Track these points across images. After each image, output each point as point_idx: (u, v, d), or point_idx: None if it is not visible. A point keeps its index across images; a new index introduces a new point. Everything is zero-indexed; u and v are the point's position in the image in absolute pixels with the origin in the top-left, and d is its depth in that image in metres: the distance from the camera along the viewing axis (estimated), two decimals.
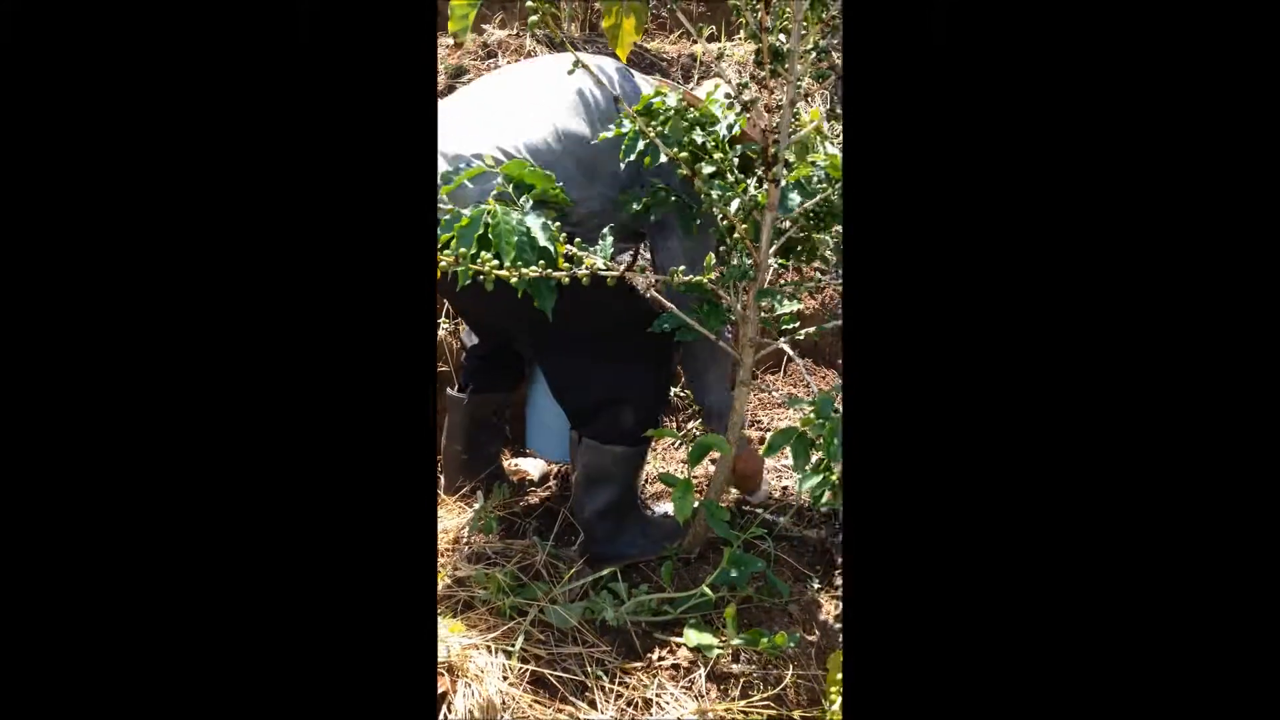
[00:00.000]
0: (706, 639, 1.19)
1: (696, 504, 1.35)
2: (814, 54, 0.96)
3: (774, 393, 1.98)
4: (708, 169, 1.08)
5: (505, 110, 1.24)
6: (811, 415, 1.13)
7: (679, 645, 1.23)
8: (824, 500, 1.15)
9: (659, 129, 1.06)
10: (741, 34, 1.03)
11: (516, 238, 0.88)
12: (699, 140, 1.08)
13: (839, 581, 1.41)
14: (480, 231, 0.88)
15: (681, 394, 1.94)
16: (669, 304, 1.21)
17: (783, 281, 1.92)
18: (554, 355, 1.39)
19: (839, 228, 1.20)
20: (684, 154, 1.05)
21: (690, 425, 1.89)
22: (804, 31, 0.93)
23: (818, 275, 1.81)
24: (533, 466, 1.77)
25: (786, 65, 0.94)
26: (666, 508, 1.54)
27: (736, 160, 1.11)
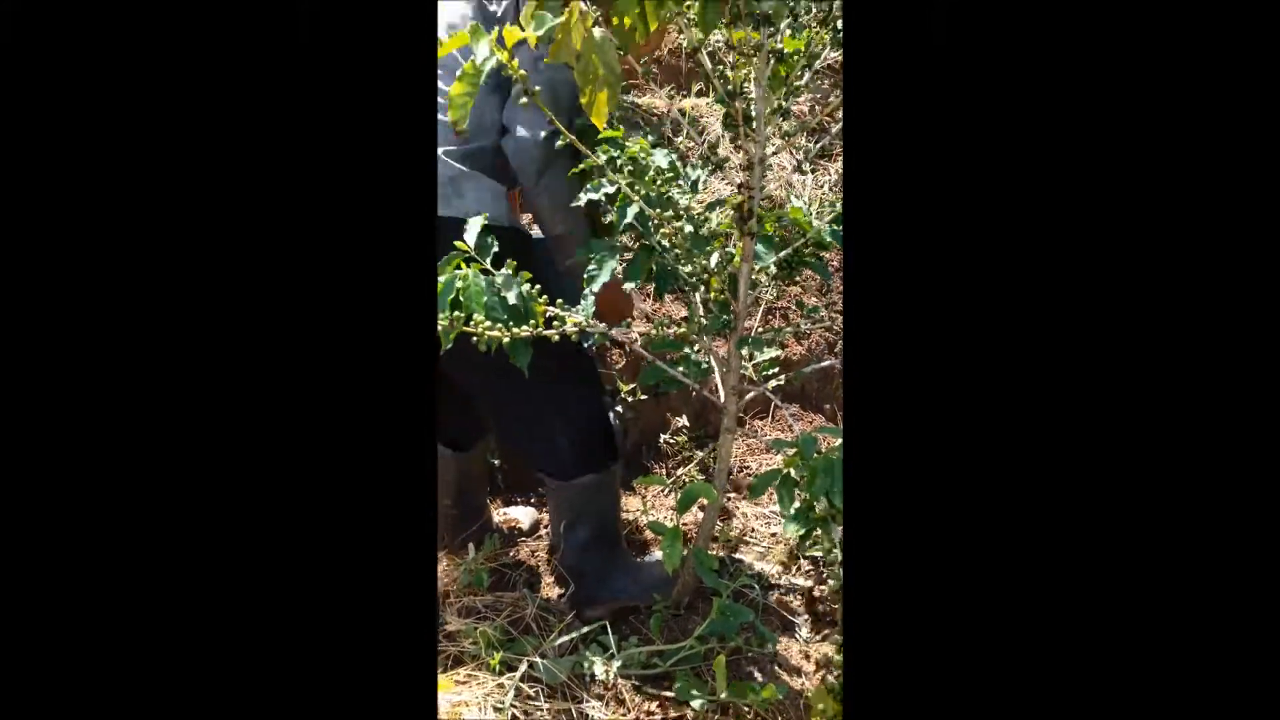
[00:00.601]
0: (696, 694, 1.19)
1: (685, 552, 1.35)
2: (779, 115, 0.99)
3: (762, 438, 1.99)
4: (688, 227, 1.11)
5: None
6: (795, 457, 1.13)
7: (668, 699, 1.22)
8: (811, 544, 1.15)
9: (642, 192, 1.09)
10: (710, 96, 1.07)
11: (486, 298, 0.90)
12: (678, 198, 1.11)
13: (824, 630, 1.41)
14: (452, 296, 0.90)
15: (671, 440, 1.95)
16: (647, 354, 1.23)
17: (767, 327, 1.95)
18: (490, 396, 1.37)
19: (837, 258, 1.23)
20: (668, 213, 1.08)
21: (680, 471, 1.89)
22: (768, 94, 0.97)
23: (801, 322, 1.84)
24: (523, 515, 1.77)
25: (754, 126, 0.97)
26: (657, 556, 1.53)
27: (713, 216, 1.14)
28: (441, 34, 1.31)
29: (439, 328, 0.91)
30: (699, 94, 2.32)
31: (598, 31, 0.78)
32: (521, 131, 1.21)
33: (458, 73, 0.86)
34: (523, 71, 0.92)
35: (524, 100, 0.95)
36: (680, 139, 1.80)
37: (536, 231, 1.45)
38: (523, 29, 1.27)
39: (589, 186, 1.08)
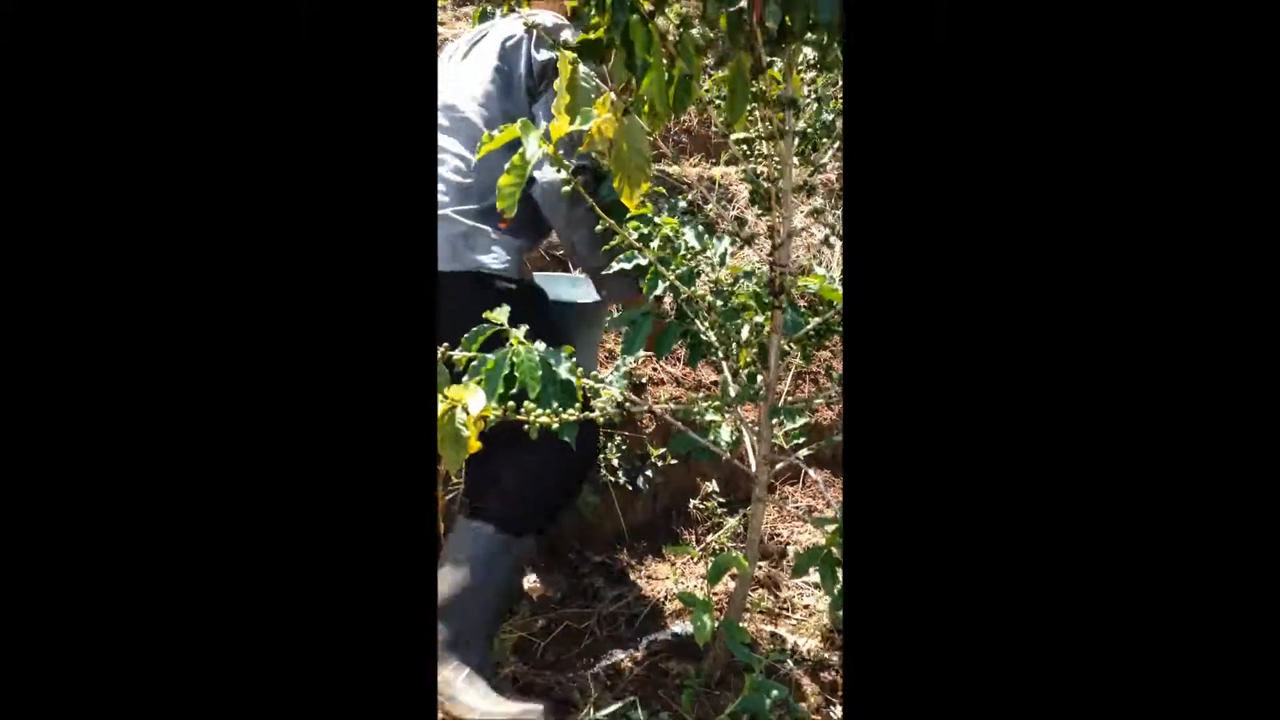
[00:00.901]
0: None
1: (716, 625, 1.33)
2: (804, 192, 1.01)
3: (793, 505, 1.96)
4: (719, 302, 1.12)
5: (455, 72, 1.39)
6: (836, 534, 1.11)
7: None
8: None
9: (676, 269, 1.11)
10: (740, 169, 1.09)
11: (541, 373, 0.92)
12: (712, 273, 1.13)
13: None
14: (506, 372, 0.92)
15: (701, 505, 1.93)
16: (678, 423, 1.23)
17: (798, 396, 1.94)
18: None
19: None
20: (701, 292, 1.10)
21: (710, 538, 1.87)
22: (795, 169, 0.99)
23: (832, 388, 1.83)
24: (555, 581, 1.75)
25: (781, 202, 0.99)
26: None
27: (746, 290, 1.15)
28: (459, 98, 1.37)
29: (491, 415, 0.92)
30: (729, 163, 2.37)
31: (627, 119, 0.81)
32: (545, 174, 1.23)
33: (505, 165, 0.89)
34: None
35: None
36: (710, 207, 1.84)
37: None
38: (539, 84, 1.32)
39: (622, 257, 1.11)
